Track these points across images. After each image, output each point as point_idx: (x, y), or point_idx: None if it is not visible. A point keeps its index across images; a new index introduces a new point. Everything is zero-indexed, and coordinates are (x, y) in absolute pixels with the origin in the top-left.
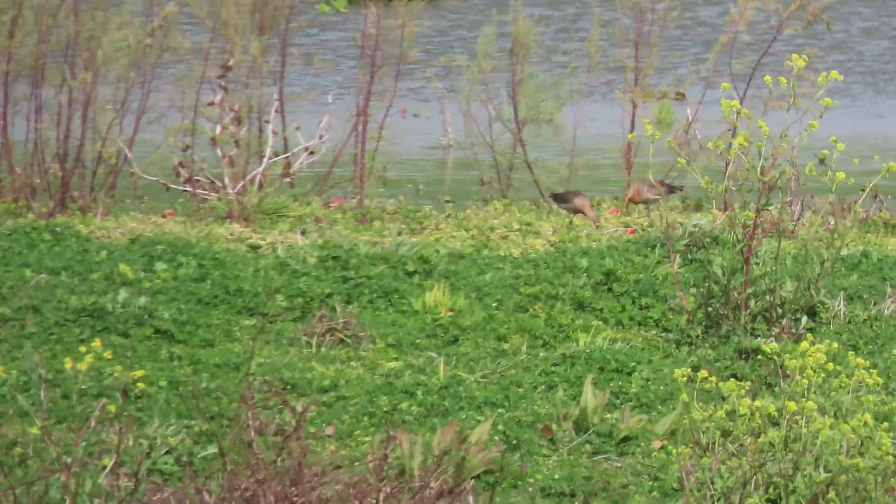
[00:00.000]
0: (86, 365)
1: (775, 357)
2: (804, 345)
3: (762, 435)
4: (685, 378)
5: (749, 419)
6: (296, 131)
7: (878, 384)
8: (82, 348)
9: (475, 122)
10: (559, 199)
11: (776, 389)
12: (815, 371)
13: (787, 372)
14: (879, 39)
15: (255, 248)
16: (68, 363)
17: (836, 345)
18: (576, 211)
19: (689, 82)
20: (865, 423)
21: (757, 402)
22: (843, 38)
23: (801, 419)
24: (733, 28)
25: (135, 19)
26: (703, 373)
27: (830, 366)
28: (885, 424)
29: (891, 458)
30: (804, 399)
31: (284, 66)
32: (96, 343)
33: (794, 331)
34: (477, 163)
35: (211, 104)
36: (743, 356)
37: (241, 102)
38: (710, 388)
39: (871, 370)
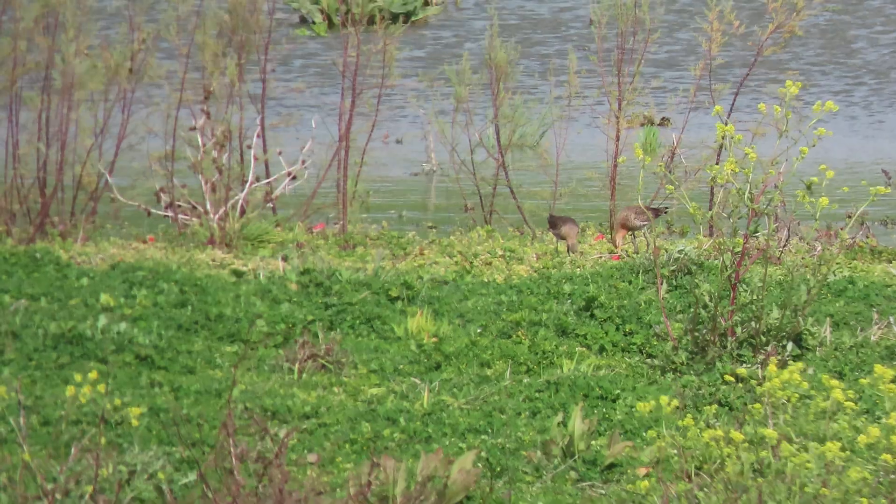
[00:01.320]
0: (85, 396)
1: (752, 382)
2: (771, 368)
3: (733, 463)
4: (663, 399)
5: (716, 446)
6: (278, 156)
7: (854, 409)
8: (77, 377)
9: (457, 148)
10: (551, 221)
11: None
12: (787, 396)
13: (761, 398)
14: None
15: (236, 273)
16: (70, 391)
17: (800, 365)
18: (560, 237)
19: (671, 108)
20: (842, 449)
21: (741, 432)
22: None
23: (772, 447)
24: (709, 54)
25: (114, 43)
26: (671, 401)
27: (802, 386)
28: (863, 443)
29: (856, 485)
30: (777, 425)
31: (265, 90)
32: (93, 374)
33: (780, 357)
34: (460, 189)
35: (192, 129)
36: (728, 383)
37: (223, 127)
38: (684, 423)
39: (848, 392)
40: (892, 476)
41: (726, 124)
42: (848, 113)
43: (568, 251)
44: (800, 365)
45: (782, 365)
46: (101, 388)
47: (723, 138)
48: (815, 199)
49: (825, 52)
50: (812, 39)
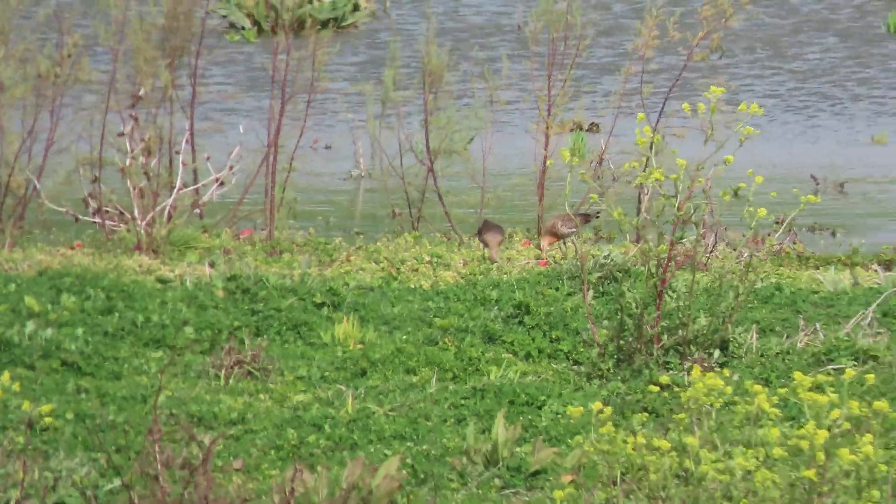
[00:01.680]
0: (9, 402)
1: (677, 389)
2: (695, 374)
3: (656, 470)
4: (596, 405)
5: (639, 454)
6: (206, 162)
7: (778, 415)
8: (6, 379)
9: (386, 153)
10: (479, 229)
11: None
12: (710, 402)
13: (685, 405)
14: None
15: (163, 280)
16: None
17: (726, 373)
18: (483, 243)
19: (600, 113)
20: (767, 455)
21: (665, 441)
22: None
23: (695, 454)
24: (640, 59)
25: (43, 48)
26: (598, 404)
27: (726, 392)
28: (779, 453)
29: (774, 493)
30: (702, 433)
31: (194, 96)
32: (5, 376)
33: (706, 364)
34: (388, 194)
35: (121, 135)
36: (654, 390)
37: (151, 133)
38: (604, 430)
39: (773, 399)
40: (812, 484)
41: (654, 130)
42: (781, 119)
43: (489, 259)
44: (726, 372)
45: (708, 372)
46: (17, 386)
47: (649, 145)
48: (752, 209)
49: (763, 59)
50: (749, 46)
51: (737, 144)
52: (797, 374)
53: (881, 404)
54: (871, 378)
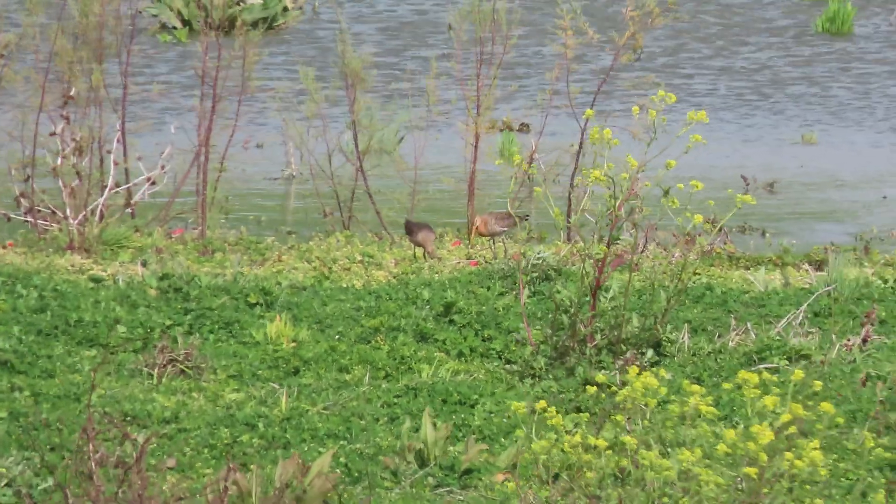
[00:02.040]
0: None
1: (611, 388)
2: (632, 373)
3: (589, 469)
4: (529, 411)
5: (576, 452)
6: (137, 161)
7: (715, 414)
8: None
9: (315, 154)
10: (407, 228)
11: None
12: (645, 402)
13: (620, 404)
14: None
15: (96, 279)
16: None
17: (663, 372)
18: (417, 244)
19: (528, 114)
20: (702, 455)
21: (599, 439)
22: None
23: (632, 453)
24: (565, 60)
25: None
26: (542, 403)
27: (661, 392)
28: (721, 450)
29: (710, 492)
30: (636, 432)
31: (125, 96)
32: None
33: (639, 364)
34: (318, 194)
35: (52, 134)
36: (588, 389)
37: (83, 132)
38: (553, 422)
39: (707, 399)
40: (751, 484)
41: (583, 133)
42: (712, 118)
43: (426, 257)
44: (663, 372)
45: (640, 371)
46: None
47: (595, 141)
48: (689, 213)
49: (696, 59)
50: (680, 45)
51: (672, 147)
52: (742, 373)
53: (827, 406)
54: (818, 385)
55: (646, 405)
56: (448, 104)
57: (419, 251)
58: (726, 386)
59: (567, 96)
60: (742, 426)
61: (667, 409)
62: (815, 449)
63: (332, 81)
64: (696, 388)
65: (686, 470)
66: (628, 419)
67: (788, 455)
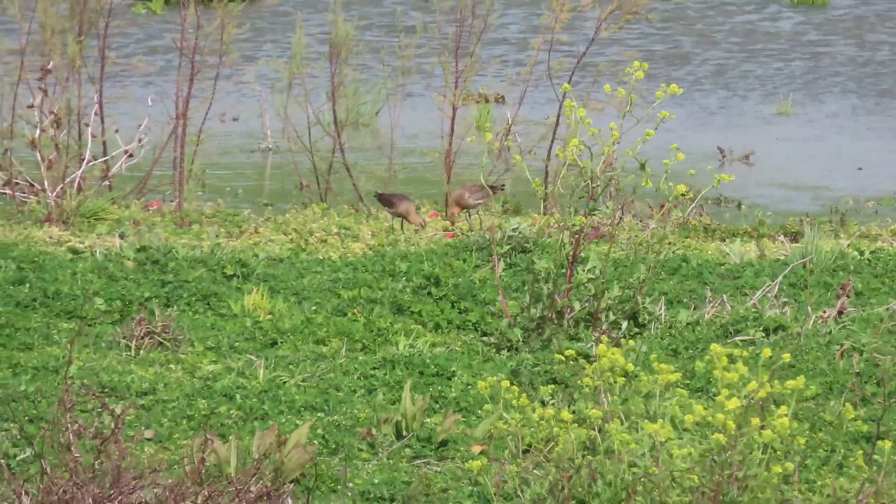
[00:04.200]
0: None
1: (583, 361)
2: (601, 347)
3: (559, 442)
4: (504, 383)
5: (547, 425)
6: (115, 134)
7: (687, 388)
8: None
9: (294, 125)
10: (384, 201)
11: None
12: (614, 377)
13: (591, 376)
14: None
15: (74, 251)
16: None
17: (632, 343)
18: (399, 216)
19: (508, 84)
20: (673, 427)
21: (566, 411)
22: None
23: (601, 426)
24: (549, 30)
25: None
26: (505, 383)
27: (627, 368)
28: (690, 421)
29: (682, 464)
30: (609, 404)
31: (104, 69)
32: None
33: (615, 336)
34: (296, 166)
35: (30, 107)
36: (564, 361)
37: (61, 105)
38: (518, 402)
39: (676, 373)
40: (723, 455)
41: (561, 105)
42: (689, 90)
43: (403, 229)
44: (631, 343)
45: (616, 343)
46: None
47: (569, 117)
48: (671, 184)
49: (669, 32)
50: (655, 18)
51: (647, 119)
52: (713, 346)
53: (794, 383)
54: (787, 357)
55: (614, 381)
56: (426, 75)
57: (397, 223)
58: (699, 364)
59: (548, 69)
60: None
61: (637, 382)
62: (783, 416)
63: (311, 53)
64: (664, 366)
65: (659, 442)
66: (602, 393)
67: (755, 421)
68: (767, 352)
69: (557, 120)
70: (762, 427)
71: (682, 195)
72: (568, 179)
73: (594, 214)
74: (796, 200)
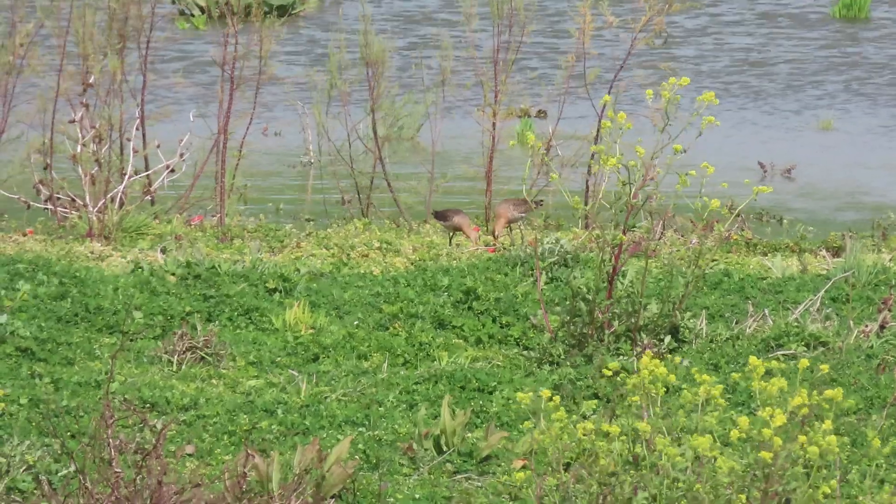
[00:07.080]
0: None
1: (625, 375)
2: (644, 361)
3: (602, 456)
4: (545, 393)
5: (588, 440)
6: (156, 149)
7: (719, 400)
8: None
9: (334, 140)
10: (439, 216)
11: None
12: (656, 389)
13: (633, 391)
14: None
15: (115, 266)
16: None
17: (677, 360)
18: (455, 229)
19: (546, 100)
20: (715, 442)
21: (613, 426)
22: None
23: (645, 440)
24: (581, 46)
25: None
26: (546, 392)
27: (670, 379)
28: (735, 436)
29: (725, 478)
30: (651, 418)
31: (145, 83)
32: None
33: (656, 351)
34: (337, 181)
35: (72, 122)
36: (605, 375)
37: (102, 120)
38: (556, 416)
39: (720, 386)
40: (766, 470)
41: (600, 119)
42: (728, 105)
43: (452, 240)
44: (677, 360)
45: (658, 358)
46: None
47: (605, 130)
48: (706, 199)
49: (709, 47)
50: (692, 31)
51: (688, 132)
52: (752, 359)
53: (832, 392)
54: (825, 368)
55: (655, 393)
56: (469, 91)
57: (456, 237)
58: (735, 376)
59: (585, 84)
60: (758, 413)
61: (679, 396)
62: (829, 433)
63: (350, 69)
64: (707, 378)
65: (700, 456)
66: (645, 406)
67: (802, 438)
68: (805, 362)
69: (598, 135)
70: (803, 438)
71: (726, 210)
72: (609, 195)
73: (634, 230)
74: (838, 215)
